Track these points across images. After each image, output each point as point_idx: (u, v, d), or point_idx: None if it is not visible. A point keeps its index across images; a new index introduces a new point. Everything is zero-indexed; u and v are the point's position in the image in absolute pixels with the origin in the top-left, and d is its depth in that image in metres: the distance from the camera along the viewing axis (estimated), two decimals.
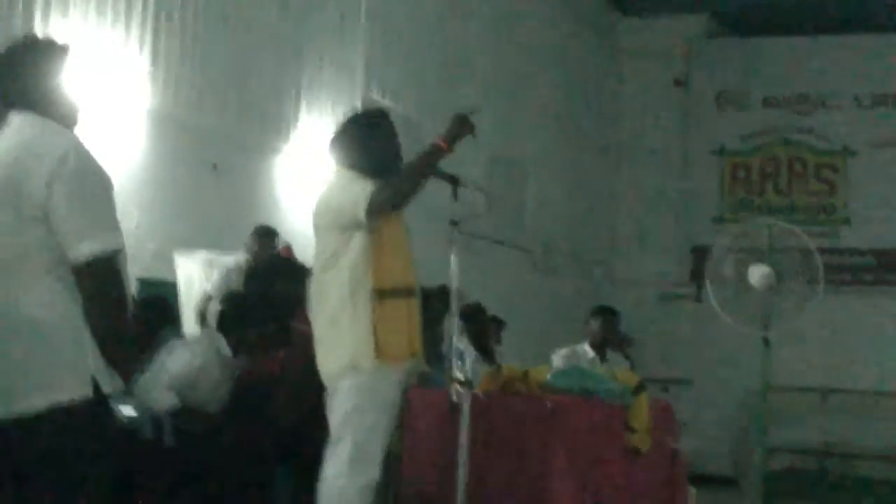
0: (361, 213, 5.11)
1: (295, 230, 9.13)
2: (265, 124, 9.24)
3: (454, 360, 5.52)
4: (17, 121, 3.85)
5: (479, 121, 5.52)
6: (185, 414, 5.77)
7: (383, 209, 5.16)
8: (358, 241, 5.21)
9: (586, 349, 9.24)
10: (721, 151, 15.55)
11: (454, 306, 5.49)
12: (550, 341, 11.81)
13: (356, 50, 10.34)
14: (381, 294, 5.14)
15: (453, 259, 5.45)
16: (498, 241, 10.90)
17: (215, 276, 7.81)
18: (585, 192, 15.07)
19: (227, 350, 6.12)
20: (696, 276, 15.30)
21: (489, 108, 12.24)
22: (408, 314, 5.22)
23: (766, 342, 9.53)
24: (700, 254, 15.29)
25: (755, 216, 15.06)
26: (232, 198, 8.83)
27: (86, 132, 5.35)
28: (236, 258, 8.03)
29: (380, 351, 5.10)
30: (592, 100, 15.38)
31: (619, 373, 6.40)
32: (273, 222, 8.91)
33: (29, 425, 3.66)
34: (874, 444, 13.54)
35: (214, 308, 7.06)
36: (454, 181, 5.55)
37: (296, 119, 9.51)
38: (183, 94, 8.34)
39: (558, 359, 9.02)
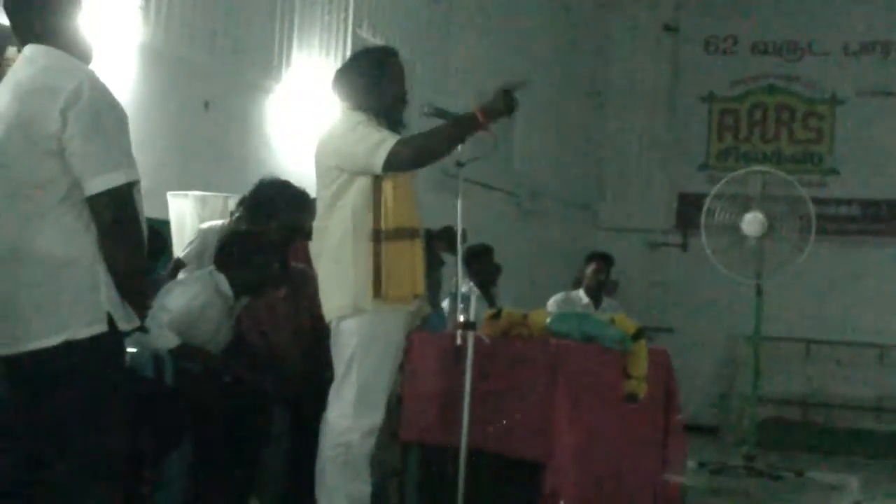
0: (378, 165, 5.04)
1: (285, 171, 9.05)
2: (257, 63, 9.12)
3: (458, 302, 5.46)
4: (31, 52, 3.82)
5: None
6: (185, 353, 5.71)
7: (402, 166, 5.09)
8: (362, 181, 5.14)
9: (581, 295, 9.27)
10: (709, 97, 15.48)
11: (459, 248, 5.43)
12: (536, 285, 11.80)
13: None
14: (385, 235, 5.07)
15: (460, 201, 5.38)
16: (485, 184, 10.83)
17: (193, 245, 7.41)
18: (573, 137, 14.99)
19: (227, 288, 6.04)
20: (682, 223, 15.30)
21: (480, 49, 12.15)
22: (411, 256, 5.17)
23: (759, 290, 9.52)
24: (686, 200, 15.31)
25: (742, 164, 15.04)
26: (223, 136, 8.73)
27: None
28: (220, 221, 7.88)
29: (383, 292, 5.03)
30: (581, 44, 15.27)
31: (617, 318, 6.34)
32: (263, 162, 8.84)
33: (44, 359, 3.65)
34: (857, 394, 13.59)
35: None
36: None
37: (288, 58, 9.38)
38: (174, 30, 8.20)
39: (552, 304, 9.03)
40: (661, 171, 15.59)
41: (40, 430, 3.72)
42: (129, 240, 3.74)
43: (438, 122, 5.42)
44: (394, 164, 5.05)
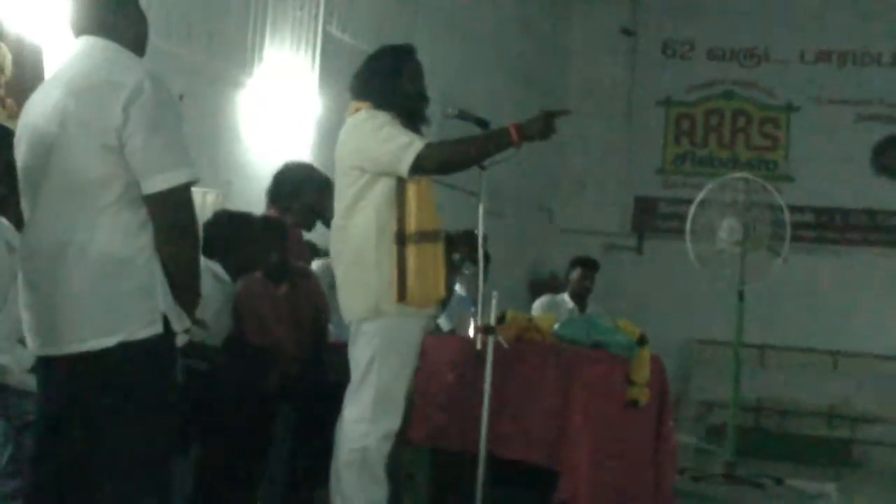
0: (404, 168, 4.96)
1: (256, 166, 8.94)
2: (231, 56, 8.98)
3: (479, 306, 5.39)
4: (85, 45, 3.71)
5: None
6: (192, 351, 5.58)
7: (428, 171, 5.01)
8: (386, 182, 5.04)
9: (566, 299, 9.24)
10: (666, 102, 15.50)
11: (481, 252, 5.35)
12: (491, 286, 11.74)
13: None
14: (409, 238, 4.99)
15: (481, 204, 5.31)
16: (447, 184, 10.76)
17: None
18: None
19: (223, 273, 5.95)
20: (638, 226, 15.33)
21: (444, 49, 12.09)
22: (434, 259, 5.10)
23: (741, 297, 9.52)
24: (642, 204, 15.34)
25: (698, 168, 15.10)
26: (198, 129, 8.56)
27: (48, 59, 5.13)
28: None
29: (405, 295, 4.95)
30: (539, 47, 15.25)
31: (621, 324, 6.30)
32: (234, 157, 8.72)
33: (98, 361, 3.56)
34: (809, 400, 13.66)
35: None
36: (482, 124, 5.39)
37: (260, 53, 9.26)
38: (151, 22, 8.03)
39: (538, 307, 8.99)
40: (618, 174, 15.59)
41: (87, 434, 3.60)
42: (186, 239, 3.66)
43: (460, 122, 5.36)
44: (421, 167, 4.98)
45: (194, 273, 3.73)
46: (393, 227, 5.02)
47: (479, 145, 5.20)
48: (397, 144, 4.99)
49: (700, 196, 9.92)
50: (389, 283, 4.99)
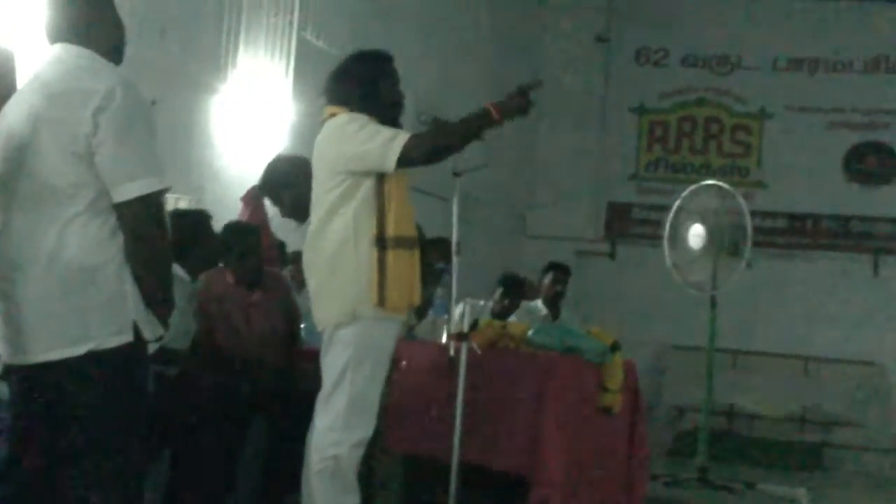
0: (392, 160, 4.92)
1: (229, 171, 8.93)
2: (205, 62, 8.98)
3: (453, 312, 5.39)
4: (60, 52, 3.70)
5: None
6: (162, 356, 5.57)
7: (416, 161, 4.98)
8: (366, 187, 5.03)
9: (539, 306, 9.23)
10: (639, 109, 15.55)
11: (455, 259, 5.35)
12: (462, 292, 11.74)
13: None
14: (388, 243, 4.97)
15: (455, 210, 5.31)
16: (420, 189, 10.76)
17: None
18: (503, 144, 14.96)
19: (182, 273, 5.94)
20: (610, 232, 15.37)
21: (418, 57, 12.10)
22: (411, 265, 5.08)
23: (714, 302, 9.56)
24: (615, 210, 15.38)
25: (671, 175, 15.16)
26: (171, 135, 8.54)
27: (23, 64, 5.12)
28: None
29: (383, 300, 4.93)
30: (516, 52, 15.27)
31: (594, 331, 6.32)
32: (208, 162, 8.71)
33: (67, 370, 3.54)
34: (781, 405, 13.71)
35: None
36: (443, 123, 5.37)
37: (234, 59, 9.25)
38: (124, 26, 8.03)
39: (511, 315, 8.97)
40: (591, 180, 15.62)
41: (58, 442, 3.59)
42: (157, 248, 3.65)
43: None
44: (408, 158, 4.95)
45: (166, 281, 3.72)
46: (372, 231, 5.00)
47: (462, 129, 5.18)
48: (383, 139, 4.98)
49: (677, 203, 9.94)
50: (368, 288, 4.96)
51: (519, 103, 5.17)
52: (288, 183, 6.15)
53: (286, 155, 6.64)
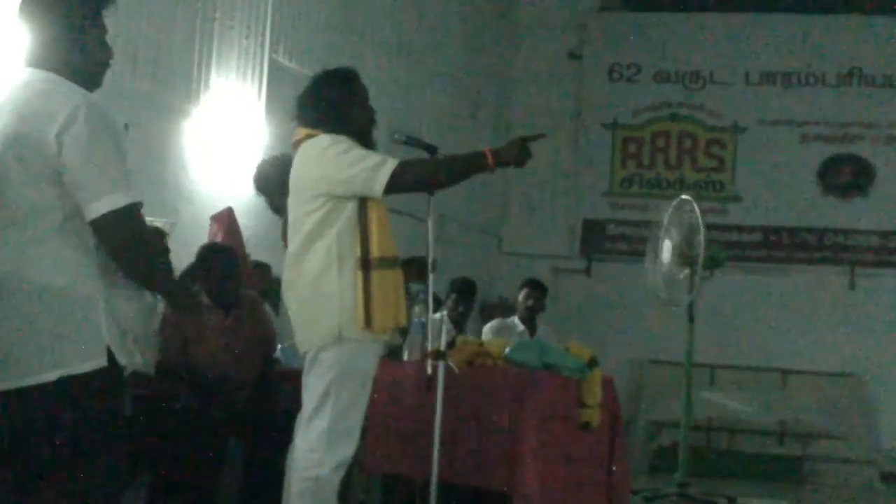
0: (379, 187, 4.92)
1: (205, 194, 8.90)
2: (177, 85, 8.96)
3: (429, 331, 5.37)
4: (27, 76, 3.70)
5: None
6: (138, 378, 5.54)
7: (402, 190, 5.00)
8: (349, 209, 5.02)
9: (516, 322, 9.22)
10: (613, 125, 15.56)
11: (430, 277, 5.33)
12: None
13: (263, 12, 10.10)
14: (373, 264, 4.96)
15: (430, 228, 5.30)
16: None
17: None
18: None
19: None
20: (586, 249, 15.37)
21: (390, 76, 12.12)
22: (395, 285, 5.07)
23: (691, 317, 9.56)
24: (590, 227, 15.39)
25: (645, 190, 15.17)
26: (144, 158, 8.53)
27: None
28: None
29: (370, 321, 4.92)
30: (488, 69, 15.31)
31: (572, 347, 6.30)
32: (180, 185, 8.68)
33: (40, 395, 3.52)
34: (760, 419, 13.71)
35: None
36: (430, 149, 5.38)
37: (206, 82, 9.23)
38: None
39: (488, 331, 8.97)
40: (565, 197, 15.63)
41: (33, 468, 3.56)
42: (138, 259, 3.67)
43: (409, 149, 5.35)
44: (396, 185, 4.96)
45: (157, 277, 3.79)
46: (356, 252, 4.99)
47: (452, 167, 5.20)
48: (371, 163, 4.97)
49: (665, 220, 9.93)
50: (353, 309, 4.95)
51: (516, 154, 5.19)
52: (270, 184, 6.11)
53: (270, 157, 6.59)
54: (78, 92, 3.66)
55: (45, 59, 3.72)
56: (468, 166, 5.20)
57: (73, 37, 3.76)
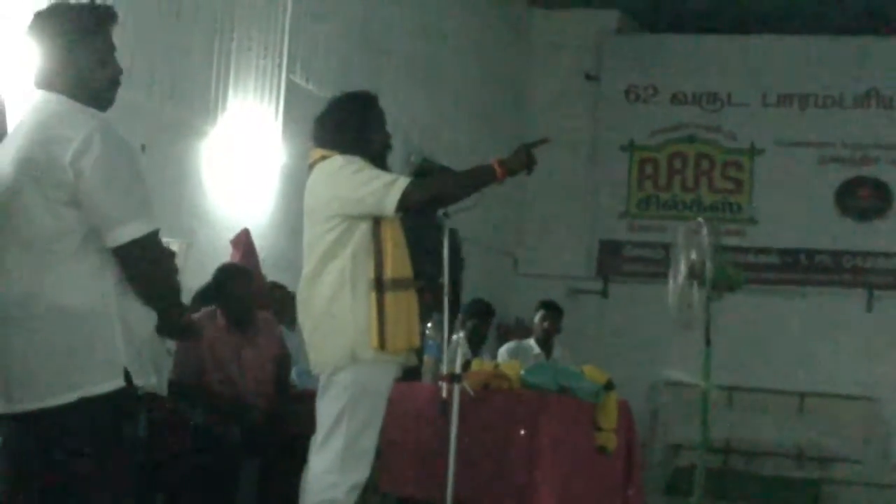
0: (390, 205, 4.92)
1: (221, 214, 8.92)
2: (194, 106, 8.99)
3: (445, 354, 5.36)
4: (39, 99, 3.68)
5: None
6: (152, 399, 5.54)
7: (415, 207, 4.99)
8: (362, 230, 5.01)
9: (532, 344, 9.21)
10: (630, 146, 15.53)
11: (446, 297, 5.33)
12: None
13: (280, 33, 10.12)
14: (387, 285, 4.96)
15: (446, 250, 5.29)
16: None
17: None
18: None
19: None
20: (603, 270, 15.33)
21: (407, 97, 12.13)
22: (409, 306, 5.07)
23: (708, 341, 9.49)
24: (606, 248, 15.35)
25: (662, 212, 15.13)
26: (161, 179, 8.54)
27: (11, 112, 5.07)
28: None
29: (384, 342, 4.91)
30: (505, 91, 15.31)
31: (587, 370, 6.28)
32: (197, 206, 8.69)
33: (58, 417, 3.51)
34: (777, 442, 13.65)
35: None
36: (446, 172, 5.38)
37: (224, 102, 9.25)
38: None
39: (504, 353, 8.96)
40: (582, 218, 15.58)
41: (50, 490, 3.55)
42: (156, 286, 3.68)
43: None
44: (407, 203, 4.96)
45: (174, 306, 3.81)
46: (370, 274, 5.00)
47: (463, 183, 5.23)
48: (382, 183, 4.98)
49: (679, 242, 9.86)
50: (367, 331, 4.95)
51: (522, 161, 5.19)
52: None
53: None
54: (91, 116, 3.63)
55: (54, 81, 3.69)
56: (478, 179, 5.22)
57: (80, 56, 3.72)
